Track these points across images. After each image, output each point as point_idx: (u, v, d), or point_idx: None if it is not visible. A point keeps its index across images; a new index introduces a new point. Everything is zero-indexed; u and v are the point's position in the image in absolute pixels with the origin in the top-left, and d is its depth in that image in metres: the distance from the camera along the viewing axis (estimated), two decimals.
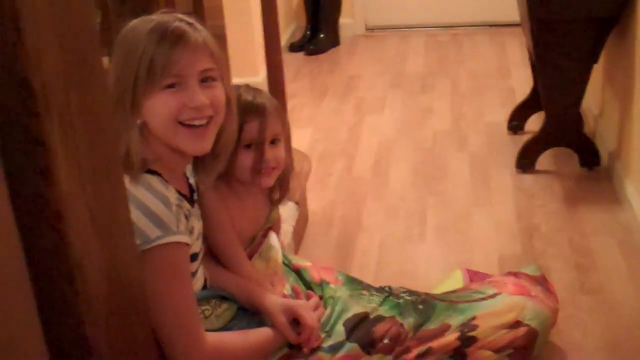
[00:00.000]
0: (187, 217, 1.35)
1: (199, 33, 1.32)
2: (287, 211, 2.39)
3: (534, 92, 3.19)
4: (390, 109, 3.68)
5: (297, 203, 2.44)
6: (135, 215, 1.25)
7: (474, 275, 1.99)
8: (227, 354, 1.43)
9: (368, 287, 1.78)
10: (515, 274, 1.92)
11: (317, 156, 3.24)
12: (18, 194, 1.02)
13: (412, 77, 4.06)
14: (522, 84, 3.73)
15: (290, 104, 3.78)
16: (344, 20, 4.77)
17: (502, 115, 3.41)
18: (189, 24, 1.32)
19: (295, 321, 1.55)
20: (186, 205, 1.37)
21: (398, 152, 3.23)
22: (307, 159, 2.71)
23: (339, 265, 2.45)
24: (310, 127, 3.54)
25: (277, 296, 1.61)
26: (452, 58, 4.31)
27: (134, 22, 1.33)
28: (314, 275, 1.77)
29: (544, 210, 2.68)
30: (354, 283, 1.79)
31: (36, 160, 1.02)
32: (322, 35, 4.62)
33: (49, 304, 1.06)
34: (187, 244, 1.33)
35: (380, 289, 1.77)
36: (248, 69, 3.97)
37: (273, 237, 1.80)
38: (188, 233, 1.34)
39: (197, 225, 1.43)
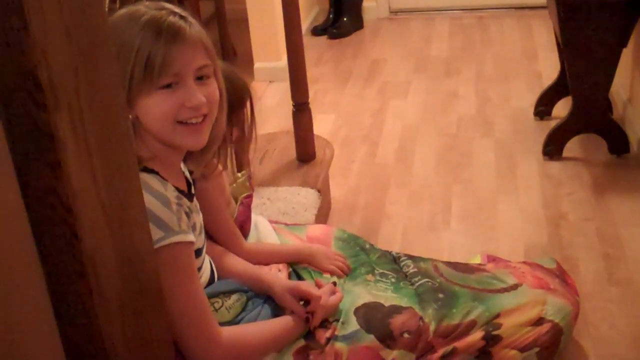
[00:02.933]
0: (188, 215, 1.32)
1: (194, 28, 1.28)
2: (309, 199, 2.35)
3: (561, 76, 3.11)
4: (414, 94, 3.62)
5: (319, 191, 2.41)
6: None
7: (494, 261, 1.94)
8: (244, 347, 1.41)
9: (370, 264, 1.76)
10: (530, 265, 1.87)
11: (339, 142, 3.19)
12: (29, 188, 0.99)
13: (437, 61, 3.99)
14: (549, 68, 3.65)
15: (312, 90, 3.73)
16: (367, 3, 4.70)
17: (528, 100, 3.34)
18: (183, 17, 1.28)
19: (306, 303, 1.54)
20: (186, 202, 1.35)
21: (422, 138, 3.18)
22: (329, 146, 2.68)
23: None
24: (333, 112, 3.50)
25: (284, 279, 1.61)
26: (478, 42, 4.23)
27: (122, 13, 1.28)
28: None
29: (571, 199, 2.62)
30: (353, 249, 1.80)
31: (46, 153, 0.99)
32: (345, 19, 4.56)
33: (63, 300, 1.04)
34: (191, 242, 1.31)
35: (384, 255, 1.77)
36: (270, 54, 3.93)
37: (261, 223, 1.80)
38: (190, 230, 1.31)
39: (198, 219, 1.41)
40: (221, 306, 1.45)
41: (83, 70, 0.99)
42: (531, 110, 3.25)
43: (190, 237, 1.31)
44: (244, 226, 1.75)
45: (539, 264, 1.89)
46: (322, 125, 3.35)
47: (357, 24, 4.61)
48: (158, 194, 1.26)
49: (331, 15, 4.60)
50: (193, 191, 1.45)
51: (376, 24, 4.67)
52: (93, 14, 1.00)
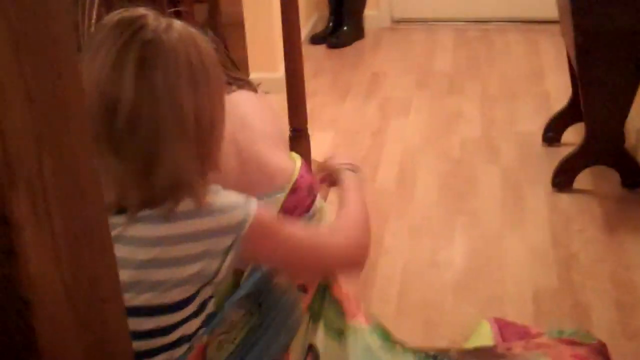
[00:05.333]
0: None
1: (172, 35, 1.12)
2: None
3: (572, 102, 2.96)
4: (416, 112, 3.47)
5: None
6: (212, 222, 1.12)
7: (505, 328, 1.76)
8: (354, 223, 1.42)
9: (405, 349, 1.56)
10: (570, 342, 1.68)
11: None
12: None
13: (440, 77, 3.84)
14: (557, 89, 3.50)
15: (310, 104, 3.56)
16: (368, 12, 4.54)
17: (536, 124, 3.19)
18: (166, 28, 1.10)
19: None
20: None
21: (424, 162, 3.02)
22: None
23: (357, 293, 2.26)
24: (332, 130, 3.34)
25: None
26: (482, 56, 4.08)
27: (106, 29, 1.11)
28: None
29: (582, 237, 2.47)
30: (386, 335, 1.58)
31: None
32: (345, 28, 4.40)
33: None
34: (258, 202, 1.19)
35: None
36: (266, 64, 3.76)
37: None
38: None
39: None
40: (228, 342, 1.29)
41: (48, 138, 0.84)
42: (539, 135, 3.10)
43: (255, 201, 1.18)
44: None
45: (578, 341, 1.69)
46: (319, 144, 3.19)
47: (358, 33, 4.45)
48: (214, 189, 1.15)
49: (331, 24, 4.44)
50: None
51: (377, 34, 4.51)
52: (62, 71, 0.84)
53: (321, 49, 4.33)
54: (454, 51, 4.18)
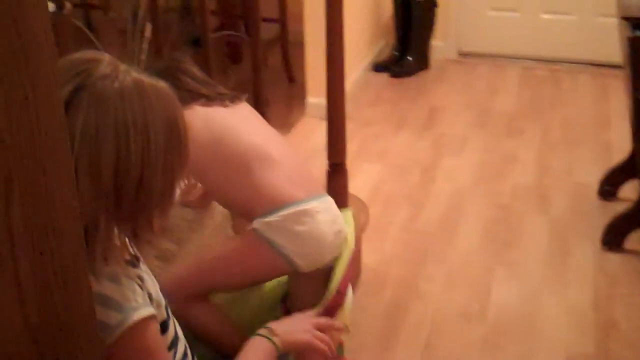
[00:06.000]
0: (140, 286, 1.12)
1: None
2: None
3: (633, 155, 2.83)
4: (469, 152, 3.38)
5: None
6: None
7: None
8: None
9: None
10: None
11: (381, 199, 2.98)
12: None
13: (500, 116, 3.74)
14: (621, 139, 3.35)
15: (362, 134, 3.55)
16: (435, 43, 4.47)
17: (593, 175, 3.06)
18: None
19: None
20: (132, 271, 1.13)
21: (471, 205, 2.94)
22: (365, 210, 2.47)
23: (383, 338, 2.21)
24: (380, 163, 3.28)
25: None
26: (547, 98, 3.96)
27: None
28: None
29: (627, 302, 2.35)
30: None
31: None
32: (410, 57, 4.34)
33: None
34: (153, 315, 1.11)
35: None
36: (324, 89, 3.72)
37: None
38: (148, 301, 1.12)
39: (153, 287, 1.18)
40: None
41: (19, 179, 0.81)
42: (595, 187, 2.97)
43: (151, 310, 1.12)
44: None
45: None
46: (365, 176, 3.15)
47: (422, 63, 4.39)
48: (102, 273, 1.07)
49: (396, 52, 4.39)
50: (135, 252, 1.21)
51: (442, 66, 4.43)
52: (40, 110, 0.82)
53: (383, 77, 4.28)
54: (518, 90, 4.07)
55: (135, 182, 1.04)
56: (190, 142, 1.13)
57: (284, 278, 1.73)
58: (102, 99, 1.01)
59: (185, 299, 1.56)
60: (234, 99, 1.71)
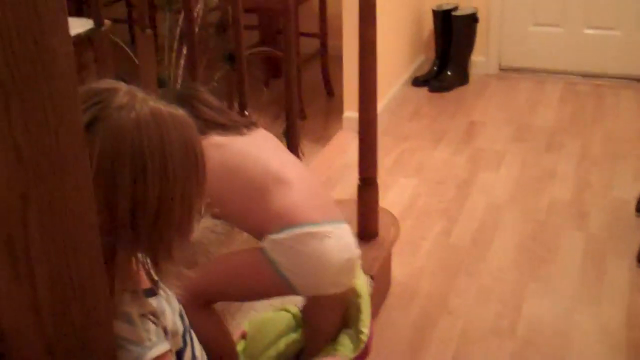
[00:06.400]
0: (155, 322, 1.13)
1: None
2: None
3: None
4: (507, 167, 3.36)
5: (372, 277, 2.20)
6: None
7: None
8: None
9: None
10: None
11: (415, 213, 2.98)
12: None
13: (540, 131, 3.70)
14: None
15: (400, 148, 3.56)
16: (476, 57, 4.46)
17: (632, 191, 3.01)
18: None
19: None
20: (148, 304, 1.13)
21: (506, 220, 2.91)
22: (396, 224, 2.47)
23: (411, 353, 2.20)
24: (416, 177, 3.28)
25: None
26: (589, 113, 3.90)
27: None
28: None
29: None
30: None
31: None
32: (449, 72, 4.33)
33: None
34: (168, 351, 1.13)
35: None
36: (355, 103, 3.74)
37: None
38: (163, 337, 1.13)
39: (170, 317, 1.18)
40: None
41: (37, 196, 0.84)
42: (633, 203, 2.92)
43: (166, 346, 1.14)
44: None
45: None
46: (401, 190, 3.15)
47: (462, 78, 4.38)
48: (120, 314, 1.09)
49: (435, 67, 4.38)
50: (155, 277, 1.20)
51: (482, 81, 4.41)
52: (59, 129, 0.85)
53: (422, 91, 4.27)
54: (559, 105, 4.03)
55: (153, 213, 1.03)
56: (208, 170, 1.12)
57: (300, 336, 1.75)
58: (118, 130, 1.01)
59: (187, 304, 1.57)
60: (249, 126, 1.72)
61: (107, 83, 1.08)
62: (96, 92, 1.04)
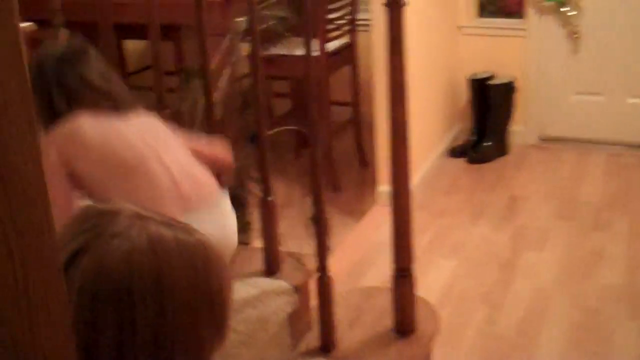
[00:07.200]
0: None
1: None
2: None
3: None
4: (552, 246, 3.15)
5: None
6: None
7: None
8: None
9: None
10: None
11: (455, 298, 2.78)
12: None
13: (585, 207, 3.50)
14: None
15: (436, 224, 3.37)
16: (515, 127, 4.29)
17: None
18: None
19: None
20: None
21: (554, 308, 2.70)
22: (435, 317, 2.27)
23: None
24: (455, 258, 3.09)
25: None
26: (636, 187, 3.70)
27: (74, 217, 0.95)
28: None
29: None
30: None
31: None
32: (488, 142, 4.17)
33: None
34: None
35: None
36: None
37: None
38: None
39: None
40: None
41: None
42: None
43: None
44: None
45: None
46: (438, 272, 2.96)
47: (501, 149, 4.20)
48: None
49: (472, 137, 4.22)
50: None
51: (522, 152, 4.23)
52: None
53: (460, 163, 4.11)
54: (604, 178, 3.83)
55: (147, 352, 0.87)
56: (231, 300, 0.95)
57: None
58: (103, 264, 0.86)
59: None
60: (133, 106, 1.89)
61: (110, 205, 0.93)
62: (95, 214, 0.90)
